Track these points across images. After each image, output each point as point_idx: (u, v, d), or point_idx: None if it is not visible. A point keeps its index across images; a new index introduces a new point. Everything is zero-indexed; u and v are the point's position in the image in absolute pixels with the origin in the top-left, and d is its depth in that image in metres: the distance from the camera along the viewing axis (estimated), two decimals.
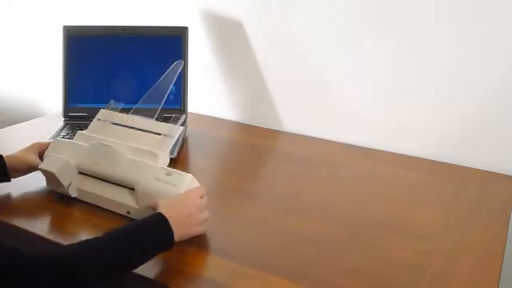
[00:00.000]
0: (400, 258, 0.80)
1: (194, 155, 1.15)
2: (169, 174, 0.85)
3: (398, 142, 1.20)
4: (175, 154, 1.12)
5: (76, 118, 1.29)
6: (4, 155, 0.93)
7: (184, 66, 1.27)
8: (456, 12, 1.07)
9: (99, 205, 0.92)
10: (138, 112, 1.31)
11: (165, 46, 1.30)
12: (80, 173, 0.95)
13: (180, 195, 0.81)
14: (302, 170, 1.11)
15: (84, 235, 0.78)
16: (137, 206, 0.87)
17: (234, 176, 1.09)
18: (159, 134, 0.95)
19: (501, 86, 1.07)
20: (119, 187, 0.91)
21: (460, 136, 1.14)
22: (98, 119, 1.02)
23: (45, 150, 0.97)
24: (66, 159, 0.93)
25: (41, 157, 0.97)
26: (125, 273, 0.71)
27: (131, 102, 1.29)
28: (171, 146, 0.94)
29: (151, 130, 0.96)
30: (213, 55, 1.42)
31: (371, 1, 1.15)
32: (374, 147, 1.22)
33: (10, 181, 0.94)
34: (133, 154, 0.91)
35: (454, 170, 1.11)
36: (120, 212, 0.89)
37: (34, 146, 0.98)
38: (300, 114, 1.34)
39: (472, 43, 1.08)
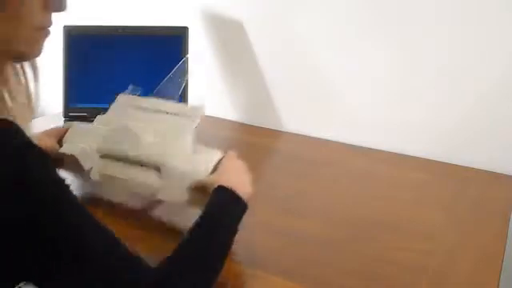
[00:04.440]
0: (400, 257, 0.80)
1: None
2: (195, 152, 0.84)
3: (398, 142, 1.20)
4: None
5: (76, 118, 1.29)
6: None
7: (185, 65, 1.28)
8: (456, 12, 1.07)
9: (123, 187, 0.89)
10: None
11: (165, 46, 1.30)
12: (101, 156, 0.91)
13: (224, 164, 0.81)
14: (303, 169, 1.11)
15: None
16: (163, 186, 0.85)
17: None
18: (181, 116, 0.93)
19: (501, 86, 1.07)
20: (143, 168, 0.88)
21: (460, 136, 1.14)
22: (118, 102, 0.99)
23: (63, 135, 0.93)
24: (88, 143, 0.90)
25: (59, 143, 0.92)
26: (225, 257, 0.68)
27: None
28: (195, 127, 0.91)
29: (173, 112, 0.94)
30: (213, 55, 1.42)
31: (371, 1, 1.16)
32: (374, 147, 1.22)
33: None
34: (155, 136, 0.89)
35: (454, 170, 1.11)
36: (145, 193, 0.87)
37: (52, 131, 0.94)
38: (300, 114, 1.34)
39: (472, 43, 1.08)
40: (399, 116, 1.20)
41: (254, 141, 1.29)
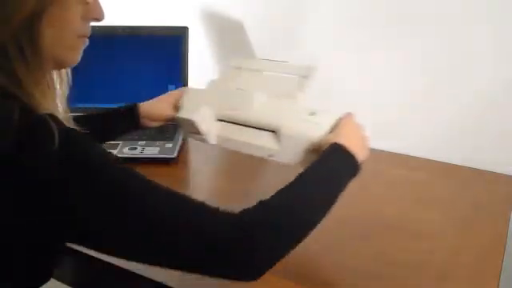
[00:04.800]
0: (400, 257, 0.80)
1: (194, 155, 1.15)
2: (312, 114, 0.82)
3: (397, 142, 1.20)
4: (175, 154, 1.12)
5: (76, 117, 1.29)
6: (140, 104, 0.94)
7: (184, 66, 1.28)
8: (455, 12, 1.07)
9: (239, 150, 0.89)
10: None
11: (165, 46, 1.30)
12: (217, 119, 0.91)
13: (341, 124, 0.78)
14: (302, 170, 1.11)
15: None
16: (279, 148, 0.84)
17: (235, 176, 1.09)
18: (294, 75, 0.91)
19: (501, 86, 1.07)
20: (259, 131, 0.87)
21: (460, 136, 1.14)
22: (230, 65, 0.99)
23: (178, 100, 0.94)
24: (203, 107, 0.90)
25: (174, 108, 0.94)
26: (323, 214, 0.67)
27: (131, 101, 1.30)
28: (308, 86, 0.90)
29: (285, 71, 0.92)
30: (213, 55, 1.42)
31: (371, 2, 1.16)
32: (374, 147, 1.22)
33: (140, 129, 0.95)
34: (270, 98, 0.88)
35: (454, 170, 1.11)
36: (262, 155, 0.86)
37: (170, 95, 0.96)
38: None
39: (472, 43, 1.08)
40: (399, 116, 1.20)
41: None
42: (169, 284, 0.73)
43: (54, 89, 0.61)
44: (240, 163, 1.16)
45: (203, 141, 0.91)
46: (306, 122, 0.81)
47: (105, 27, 1.31)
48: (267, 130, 0.86)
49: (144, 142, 1.16)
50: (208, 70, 1.42)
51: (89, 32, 0.63)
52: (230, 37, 1.37)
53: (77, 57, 0.63)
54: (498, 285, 0.75)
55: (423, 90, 1.16)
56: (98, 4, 0.63)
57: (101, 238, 0.55)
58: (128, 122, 0.95)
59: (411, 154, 1.18)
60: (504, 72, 1.06)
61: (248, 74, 0.95)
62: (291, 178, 1.10)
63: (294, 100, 0.87)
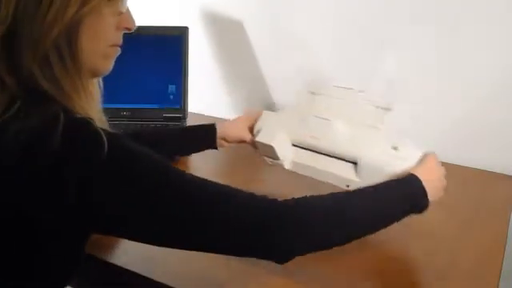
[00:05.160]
0: (400, 257, 0.80)
1: (194, 155, 1.15)
2: (395, 148, 0.82)
3: None
4: None
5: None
6: (217, 124, 0.98)
7: (184, 66, 1.28)
8: (456, 12, 1.07)
9: (316, 177, 0.89)
10: (140, 112, 1.31)
11: (165, 46, 1.30)
12: (294, 145, 0.92)
13: (425, 160, 0.78)
14: None
15: None
16: (358, 180, 0.83)
17: (234, 176, 1.09)
18: (372, 105, 0.91)
19: (501, 86, 1.07)
20: (338, 160, 0.87)
21: (460, 136, 1.14)
22: (307, 90, 0.98)
23: (253, 122, 0.97)
24: (282, 132, 0.91)
25: (250, 129, 0.97)
26: (374, 231, 0.69)
27: (131, 101, 1.30)
28: (388, 119, 0.89)
29: (363, 102, 0.92)
30: (213, 55, 1.42)
31: (371, 1, 1.16)
32: None
33: (216, 149, 0.98)
34: (351, 128, 0.87)
35: (454, 170, 1.10)
36: (338, 185, 0.86)
37: (246, 118, 0.99)
38: None
39: (472, 43, 1.08)
40: (399, 116, 1.20)
41: None
42: (169, 284, 0.73)
43: (92, 95, 0.64)
44: (240, 163, 1.16)
45: (276, 164, 0.93)
46: (390, 156, 0.81)
47: None
48: (346, 160, 0.86)
49: None
50: (208, 70, 1.43)
51: (121, 41, 0.66)
52: (230, 37, 1.37)
53: (109, 65, 0.67)
54: (498, 285, 0.75)
55: (423, 90, 1.16)
56: (130, 15, 0.66)
57: (147, 230, 0.59)
58: (205, 143, 0.99)
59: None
60: (504, 72, 1.06)
61: (324, 101, 0.94)
62: (292, 178, 1.11)
63: (374, 131, 0.86)
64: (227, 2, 1.34)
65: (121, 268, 0.77)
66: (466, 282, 0.75)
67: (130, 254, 0.80)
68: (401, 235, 0.86)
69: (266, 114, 0.99)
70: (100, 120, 0.62)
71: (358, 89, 0.93)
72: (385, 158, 0.81)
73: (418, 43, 1.13)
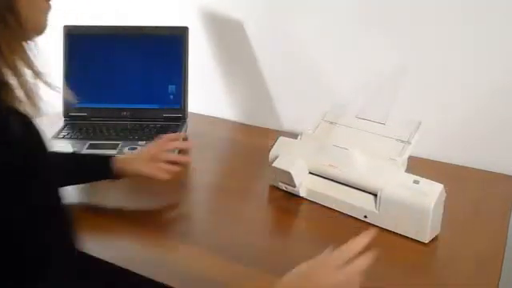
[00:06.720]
0: (401, 257, 0.80)
1: (194, 155, 1.15)
2: (416, 182, 0.82)
3: None
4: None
5: (76, 117, 1.29)
6: (116, 158, 0.92)
7: (184, 66, 1.28)
8: (456, 12, 1.07)
9: (331, 207, 0.90)
10: (140, 112, 1.31)
11: (165, 46, 1.30)
12: (310, 173, 0.93)
13: (310, 265, 0.61)
14: None
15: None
16: (377, 212, 0.84)
17: (234, 176, 1.09)
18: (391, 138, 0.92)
19: (501, 87, 1.07)
20: (356, 190, 0.88)
21: (460, 136, 1.14)
22: (324, 119, 1.00)
23: (160, 151, 0.93)
24: (300, 160, 0.92)
25: (151, 160, 0.92)
26: None
27: (131, 101, 1.30)
28: (409, 154, 0.90)
29: (383, 134, 0.93)
30: (213, 55, 1.42)
31: (371, 1, 1.16)
32: None
33: (114, 179, 0.92)
34: (369, 159, 0.88)
35: (454, 170, 1.11)
36: (356, 216, 0.87)
37: (147, 152, 0.94)
38: (300, 114, 1.34)
39: (472, 43, 1.08)
40: (399, 116, 1.20)
41: (254, 141, 1.28)
42: (169, 284, 0.73)
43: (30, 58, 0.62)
44: (240, 163, 1.16)
45: (291, 191, 0.93)
46: (411, 190, 0.81)
47: (105, 27, 1.32)
48: (364, 191, 0.86)
49: (144, 142, 1.16)
50: (208, 70, 1.43)
51: None
52: (230, 37, 1.37)
53: (46, 22, 0.64)
54: (498, 285, 0.75)
55: (423, 91, 1.15)
56: None
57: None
58: (101, 174, 0.92)
59: (411, 154, 1.18)
60: (504, 72, 1.06)
61: (343, 131, 0.95)
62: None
63: (393, 163, 0.87)
64: (227, 2, 1.34)
65: (121, 268, 0.77)
66: (465, 282, 0.75)
67: (129, 254, 0.80)
68: (401, 235, 0.86)
69: (282, 140, 0.98)
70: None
71: (378, 120, 0.94)
72: (406, 191, 0.81)
73: (418, 43, 1.13)
